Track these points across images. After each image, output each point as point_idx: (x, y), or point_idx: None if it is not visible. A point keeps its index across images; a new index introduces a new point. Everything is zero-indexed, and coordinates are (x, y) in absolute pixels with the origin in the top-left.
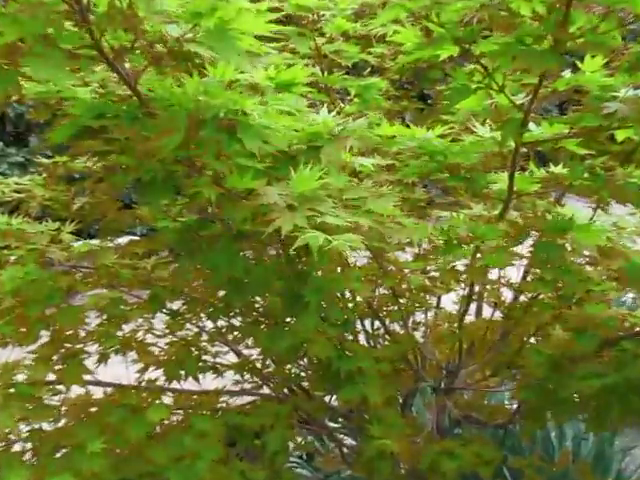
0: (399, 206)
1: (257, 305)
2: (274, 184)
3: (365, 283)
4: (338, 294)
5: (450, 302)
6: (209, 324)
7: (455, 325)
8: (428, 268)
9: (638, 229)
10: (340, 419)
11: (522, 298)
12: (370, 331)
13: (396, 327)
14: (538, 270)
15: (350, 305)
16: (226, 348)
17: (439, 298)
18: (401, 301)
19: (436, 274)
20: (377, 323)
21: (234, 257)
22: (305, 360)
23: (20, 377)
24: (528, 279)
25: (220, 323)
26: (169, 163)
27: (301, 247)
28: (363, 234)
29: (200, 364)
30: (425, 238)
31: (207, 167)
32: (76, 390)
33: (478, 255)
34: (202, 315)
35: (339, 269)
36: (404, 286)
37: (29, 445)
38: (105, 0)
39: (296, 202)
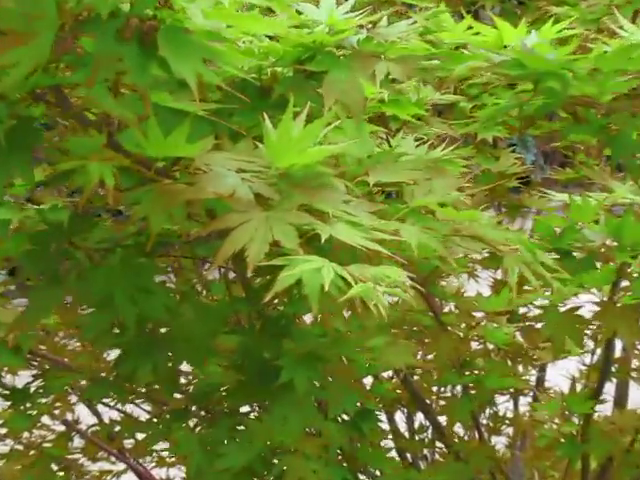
0: (468, 191)
1: (189, 381)
2: (229, 149)
3: (397, 340)
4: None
5: (562, 376)
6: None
7: (573, 424)
8: (521, 309)
9: None
10: None
11: None
12: (408, 433)
13: (459, 428)
14: None
15: (369, 383)
16: (122, 464)
17: (541, 368)
18: (468, 374)
19: (539, 324)
20: (421, 417)
21: (144, 286)
22: None
23: None
24: None
25: (112, 414)
26: (21, 102)
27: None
28: (408, 260)
29: None
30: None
31: (95, 112)
32: None
33: (624, 283)
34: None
35: (344, 313)
36: (475, 345)
37: None
38: None
39: (274, 191)
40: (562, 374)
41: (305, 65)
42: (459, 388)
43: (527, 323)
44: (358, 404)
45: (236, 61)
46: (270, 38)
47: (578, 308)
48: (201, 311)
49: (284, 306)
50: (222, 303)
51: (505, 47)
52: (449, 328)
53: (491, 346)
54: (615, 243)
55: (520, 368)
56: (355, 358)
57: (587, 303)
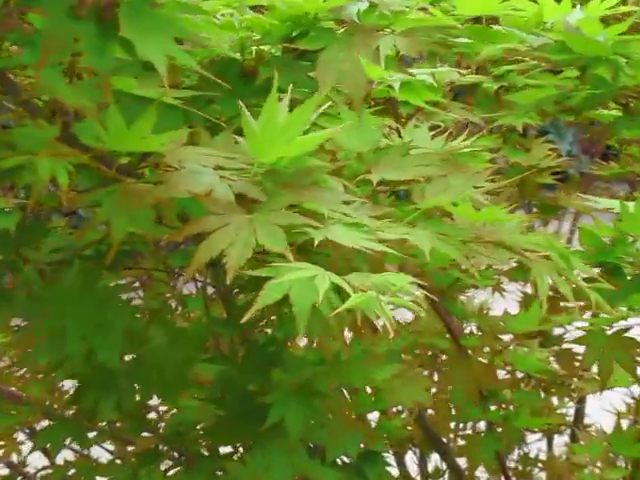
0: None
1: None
2: (206, 143)
3: (408, 370)
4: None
5: (605, 411)
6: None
7: (620, 469)
8: (557, 330)
9: None
10: None
11: None
12: (420, 478)
13: (482, 472)
14: None
15: (375, 418)
16: None
17: (580, 401)
18: (493, 408)
19: (578, 347)
20: (437, 459)
21: (105, 311)
22: None
23: None
24: None
25: (66, 454)
26: None
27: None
28: (423, 271)
29: None
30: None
31: (47, 100)
32: None
33: None
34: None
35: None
36: (501, 374)
37: None
38: None
39: (259, 190)
40: (605, 408)
41: (296, 43)
42: (482, 425)
43: (564, 347)
44: (361, 445)
45: (214, 38)
46: (254, 9)
47: (628, 330)
48: (174, 334)
49: (273, 328)
50: (199, 325)
51: (544, 24)
52: (470, 353)
53: (521, 375)
54: None
55: (555, 401)
56: (358, 390)
57: (637, 325)
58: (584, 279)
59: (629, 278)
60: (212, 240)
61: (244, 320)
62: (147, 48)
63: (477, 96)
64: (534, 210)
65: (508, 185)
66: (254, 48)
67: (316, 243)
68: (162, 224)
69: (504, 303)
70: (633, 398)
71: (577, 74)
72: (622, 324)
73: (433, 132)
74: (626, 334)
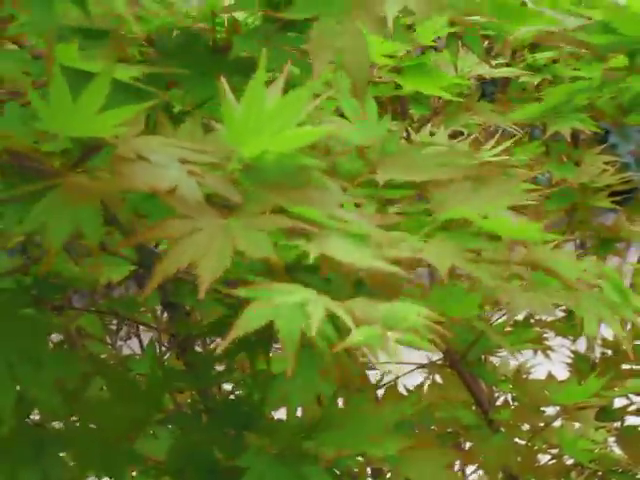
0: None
1: None
2: (169, 132)
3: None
4: None
5: None
6: None
7: None
8: (618, 401)
9: None
10: None
11: None
12: None
13: None
14: None
15: None
16: None
17: None
18: None
19: None
20: None
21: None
22: None
23: None
24: None
25: None
26: None
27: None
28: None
29: None
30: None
31: None
32: None
33: None
34: None
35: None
36: (544, 458)
37: None
38: None
39: (237, 191)
40: None
41: (281, 10)
42: None
43: (628, 424)
44: None
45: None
46: None
47: None
48: (121, 390)
49: (248, 386)
50: (153, 378)
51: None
52: (503, 431)
53: (570, 460)
54: None
55: None
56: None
57: None
58: None
59: None
60: (180, 248)
61: (220, 349)
62: None
63: (511, 93)
64: (588, 243)
65: (553, 210)
66: (226, 17)
67: (311, 258)
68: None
69: (549, 365)
70: None
71: (626, 62)
72: None
73: (454, 140)
74: None
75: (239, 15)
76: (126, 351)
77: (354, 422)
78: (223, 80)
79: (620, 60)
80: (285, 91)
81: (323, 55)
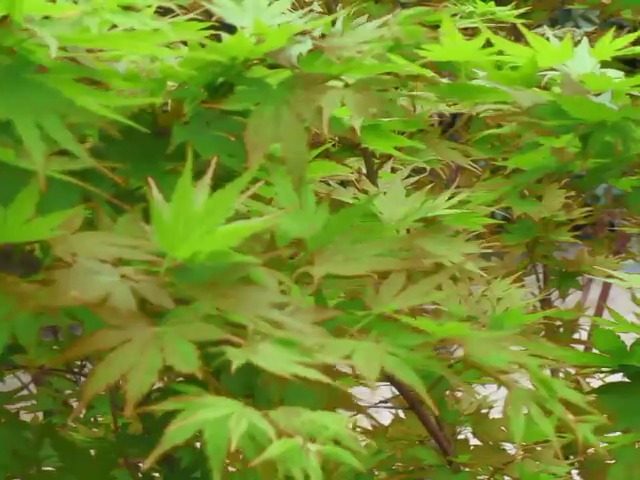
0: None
1: None
2: (107, 226)
3: None
4: None
5: None
6: None
7: None
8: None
9: None
10: None
11: None
12: None
13: None
14: None
15: None
16: None
17: None
18: None
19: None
20: None
21: None
22: None
23: None
24: None
25: None
26: None
27: None
28: None
29: None
30: None
31: None
32: None
33: None
34: None
35: None
36: None
37: None
38: None
39: (168, 296)
40: None
41: (219, 96)
42: None
43: (591, 458)
44: None
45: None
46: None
47: None
48: (73, 458)
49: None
50: (106, 444)
51: (539, 76)
52: (465, 470)
53: None
54: None
55: None
56: None
57: None
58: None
59: None
60: (110, 362)
61: (146, 467)
62: (22, 127)
63: (472, 129)
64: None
65: (513, 246)
66: (170, 102)
67: (234, 368)
68: None
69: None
70: None
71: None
72: None
73: (414, 180)
74: None
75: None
76: None
77: None
78: (152, 181)
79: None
80: (215, 186)
81: (259, 144)
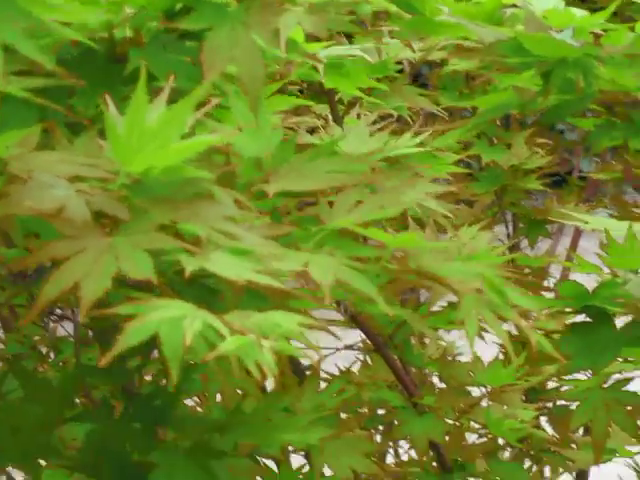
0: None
1: None
2: (65, 146)
3: (345, 432)
4: None
5: None
6: None
7: None
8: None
9: None
10: None
11: None
12: None
13: None
14: None
15: None
16: None
17: (581, 475)
18: None
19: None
20: None
21: None
22: None
23: None
24: None
25: None
26: None
27: None
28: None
29: None
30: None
31: None
32: None
33: None
34: None
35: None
36: (473, 438)
37: None
38: None
39: (124, 208)
40: None
41: (177, 20)
42: None
43: (559, 404)
44: None
45: (77, 16)
46: None
47: (628, 381)
48: (33, 387)
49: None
50: (67, 375)
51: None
52: (429, 412)
53: (502, 440)
54: None
55: (548, 474)
56: (270, 451)
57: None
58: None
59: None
60: (64, 270)
61: (102, 364)
62: None
63: (443, 78)
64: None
65: (482, 194)
66: (129, 27)
67: (187, 274)
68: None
69: (484, 346)
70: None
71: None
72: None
73: (383, 123)
74: (626, 388)
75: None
76: (60, 332)
77: (272, 414)
78: (107, 95)
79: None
80: (172, 103)
81: (215, 65)
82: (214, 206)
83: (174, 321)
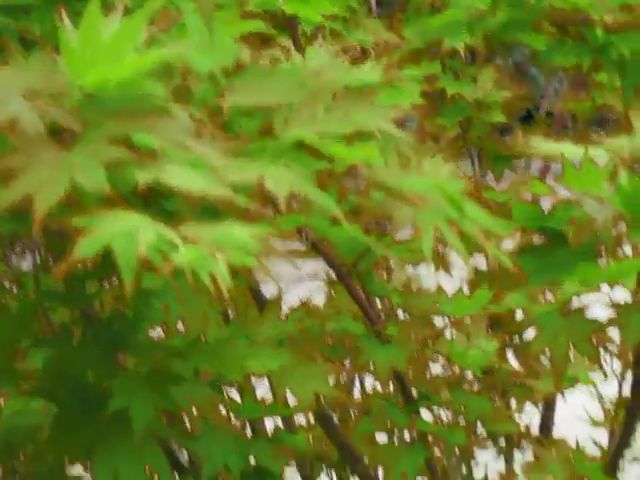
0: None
1: None
2: (19, 62)
3: (308, 359)
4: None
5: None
6: None
7: None
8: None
9: None
10: None
11: None
12: None
13: None
14: None
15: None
16: None
17: (547, 407)
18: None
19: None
20: None
21: None
22: None
23: None
24: None
25: None
26: None
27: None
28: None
29: None
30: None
31: None
32: None
33: None
34: None
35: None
36: (437, 369)
37: None
38: None
39: (78, 121)
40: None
41: None
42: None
43: (525, 338)
44: (251, 459)
45: None
46: None
47: (586, 308)
48: None
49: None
50: (25, 303)
51: None
52: (392, 342)
53: (469, 373)
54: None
55: (513, 405)
56: (230, 374)
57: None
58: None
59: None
60: (18, 182)
61: (56, 276)
62: None
63: (408, 10)
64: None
65: (447, 126)
66: None
67: (140, 185)
68: None
69: (451, 281)
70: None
71: None
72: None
73: (345, 56)
74: (585, 314)
75: None
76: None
77: (234, 342)
78: (62, 9)
79: None
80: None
81: None
82: (170, 121)
83: (128, 232)
